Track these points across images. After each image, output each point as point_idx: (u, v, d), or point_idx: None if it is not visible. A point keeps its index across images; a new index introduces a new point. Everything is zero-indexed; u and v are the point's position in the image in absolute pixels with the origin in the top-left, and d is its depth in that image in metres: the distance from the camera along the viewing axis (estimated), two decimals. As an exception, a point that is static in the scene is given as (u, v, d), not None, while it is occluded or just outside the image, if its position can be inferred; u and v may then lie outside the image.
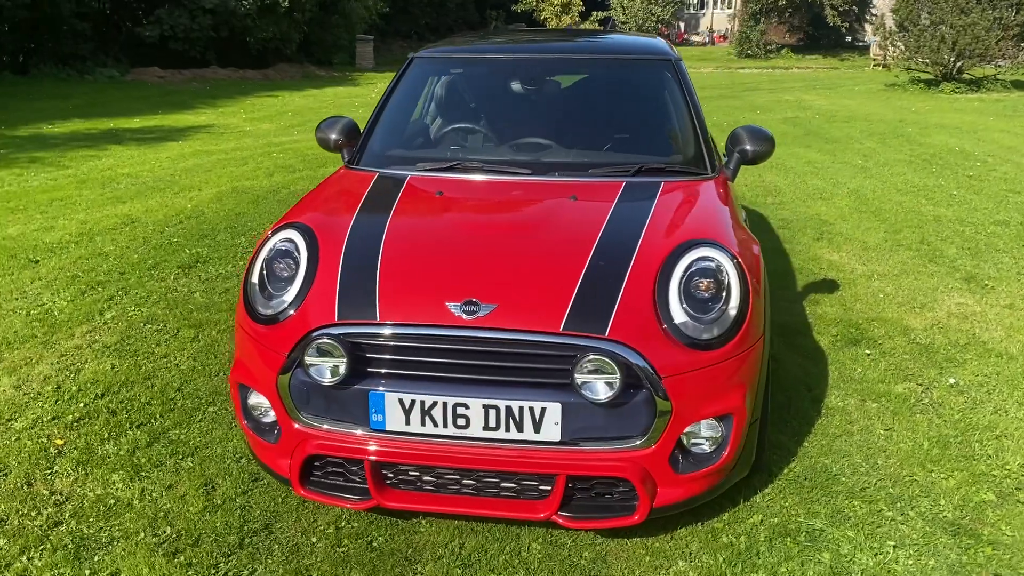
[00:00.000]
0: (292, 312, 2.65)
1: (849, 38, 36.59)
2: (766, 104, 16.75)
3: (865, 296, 5.04)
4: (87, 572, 2.53)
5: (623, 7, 37.59)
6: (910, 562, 2.62)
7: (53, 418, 3.44)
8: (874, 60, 27.47)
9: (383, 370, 2.52)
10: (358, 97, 18.14)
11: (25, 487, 2.97)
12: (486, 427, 2.47)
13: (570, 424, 2.45)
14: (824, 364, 4.06)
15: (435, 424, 2.48)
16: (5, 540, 2.67)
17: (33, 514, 2.81)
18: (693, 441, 2.60)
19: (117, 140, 11.28)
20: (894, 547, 2.68)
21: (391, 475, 2.61)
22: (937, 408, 3.62)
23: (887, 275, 5.45)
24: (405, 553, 2.64)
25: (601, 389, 2.38)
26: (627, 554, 2.66)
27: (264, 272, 2.82)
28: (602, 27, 31.91)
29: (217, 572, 2.54)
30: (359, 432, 2.55)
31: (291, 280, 2.75)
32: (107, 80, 19.75)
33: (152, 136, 11.78)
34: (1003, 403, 3.67)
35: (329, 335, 2.49)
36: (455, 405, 2.45)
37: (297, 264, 2.78)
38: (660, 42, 4.09)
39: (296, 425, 2.61)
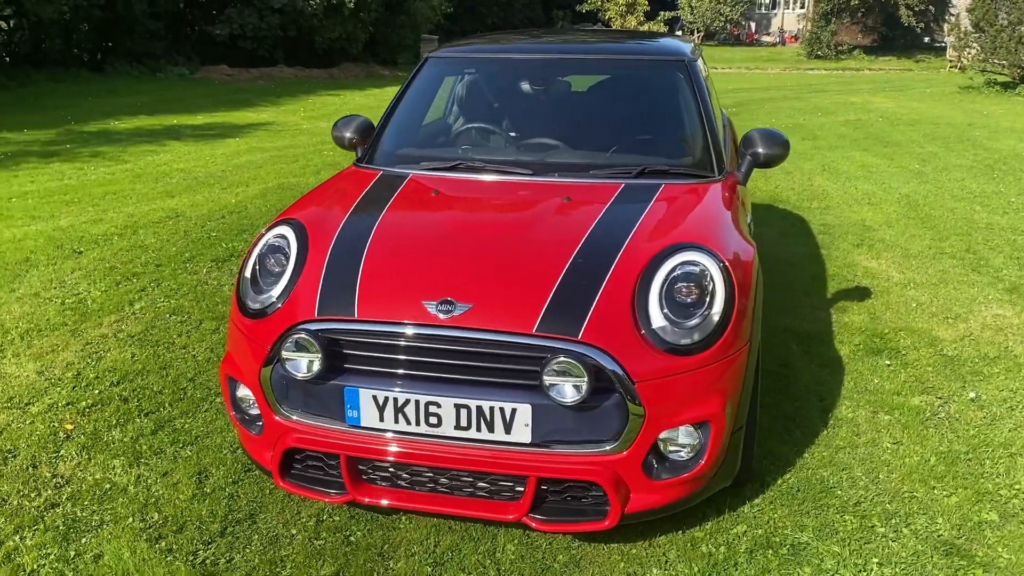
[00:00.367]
0: (278, 307, 2.70)
1: (926, 39, 35.48)
2: (829, 106, 16.35)
3: (897, 305, 4.88)
4: (72, 553, 2.61)
5: (691, 7, 37.19)
6: (895, 581, 2.54)
7: (67, 404, 3.57)
8: (950, 62, 26.59)
9: (359, 366, 2.54)
10: (417, 96, 18.29)
11: (30, 469, 3.09)
12: (457, 426, 2.47)
13: (541, 426, 2.44)
14: (840, 374, 3.95)
15: (408, 422, 2.50)
16: (3, 519, 2.79)
17: (33, 495, 2.92)
18: (670, 448, 2.56)
19: (177, 136, 11.62)
20: (879, 564, 2.60)
21: (367, 471, 2.64)
22: (952, 422, 3.49)
23: (924, 284, 5.27)
24: (380, 549, 2.66)
25: (569, 392, 2.36)
26: (602, 559, 2.63)
27: (257, 267, 2.88)
28: (669, 28, 31.55)
29: (196, 559, 2.60)
30: (335, 427, 2.58)
31: (280, 275, 2.79)
32: (177, 78, 20.37)
33: (211, 133, 12.11)
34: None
35: (307, 330, 2.52)
36: (427, 403, 2.47)
37: (287, 260, 2.83)
38: (675, 43, 4.03)
39: (277, 418, 2.66)
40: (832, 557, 2.63)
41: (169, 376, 3.85)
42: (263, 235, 2.97)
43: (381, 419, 2.51)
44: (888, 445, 3.31)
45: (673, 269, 2.62)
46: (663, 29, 29.92)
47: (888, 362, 4.07)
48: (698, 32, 38.17)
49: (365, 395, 2.50)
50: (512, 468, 2.49)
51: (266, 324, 2.68)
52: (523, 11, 37.81)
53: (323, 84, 21.52)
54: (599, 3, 29.58)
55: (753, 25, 44.15)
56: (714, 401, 2.53)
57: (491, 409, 2.43)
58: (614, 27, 30.33)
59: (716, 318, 2.57)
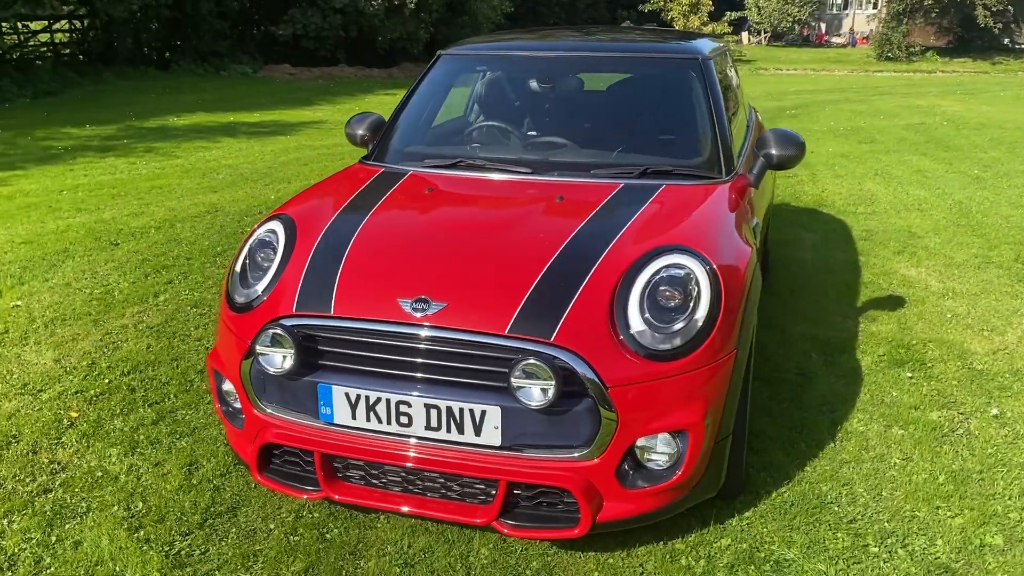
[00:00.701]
0: (262, 301, 2.71)
1: (1005, 40, 34.19)
2: (892, 109, 15.87)
3: (931, 315, 4.68)
4: (53, 539, 2.66)
5: (758, 7, 36.53)
6: (881, 604, 2.42)
7: (76, 392, 3.65)
8: (1028, 64, 25.56)
9: (333, 363, 2.53)
10: (472, 96, 18.36)
11: (30, 454, 3.16)
12: (428, 427, 2.44)
13: (510, 429, 2.39)
14: (858, 385, 3.80)
15: (379, 420, 2.47)
16: (-5, 502, 2.86)
17: (28, 480, 2.99)
18: (648, 456, 2.48)
19: (231, 133, 11.86)
20: (866, 586, 2.48)
21: (341, 468, 2.62)
22: (969, 440, 3.33)
23: (964, 294, 5.05)
24: (354, 547, 2.65)
25: (536, 395, 2.31)
26: (576, 567, 2.57)
27: (246, 261, 2.89)
28: (734, 29, 31.02)
29: (171, 550, 2.62)
30: (310, 424, 2.57)
31: (267, 270, 2.80)
32: (240, 76, 20.82)
33: (265, 130, 12.33)
34: (1049, 439, 3.34)
35: (282, 326, 2.52)
36: (398, 403, 2.44)
37: (275, 255, 2.83)
38: (692, 42, 3.92)
39: (256, 412, 2.66)
40: (817, 576, 2.53)
41: (179, 368, 3.91)
42: (255, 230, 2.99)
43: (353, 417, 2.49)
44: (896, 461, 3.16)
45: (657, 272, 2.54)
46: (727, 30, 29.36)
47: (910, 374, 3.90)
48: (764, 33, 37.49)
49: (338, 392, 2.49)
50: (482, 471, 2.44)
51: (249, 318, 2.69)
52: (586, 11, 37.65)
53: (382, 84, 21.75)
54: (662, 3, 29.23)
55: (823, 26, 43.18)
56: (693, 409, 2.44)
57: (460, 410, 2.39)
58: (676, 27, 29.96)
59: (700, 323, 2.48)
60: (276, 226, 2.93)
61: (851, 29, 42.29)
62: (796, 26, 37.54)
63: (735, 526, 2.76)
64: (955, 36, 33.86)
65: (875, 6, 40.28)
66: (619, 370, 2.38)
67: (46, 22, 19.39)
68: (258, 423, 2.67)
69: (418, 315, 2.44)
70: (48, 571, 2.51)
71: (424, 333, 2.42)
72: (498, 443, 2.40)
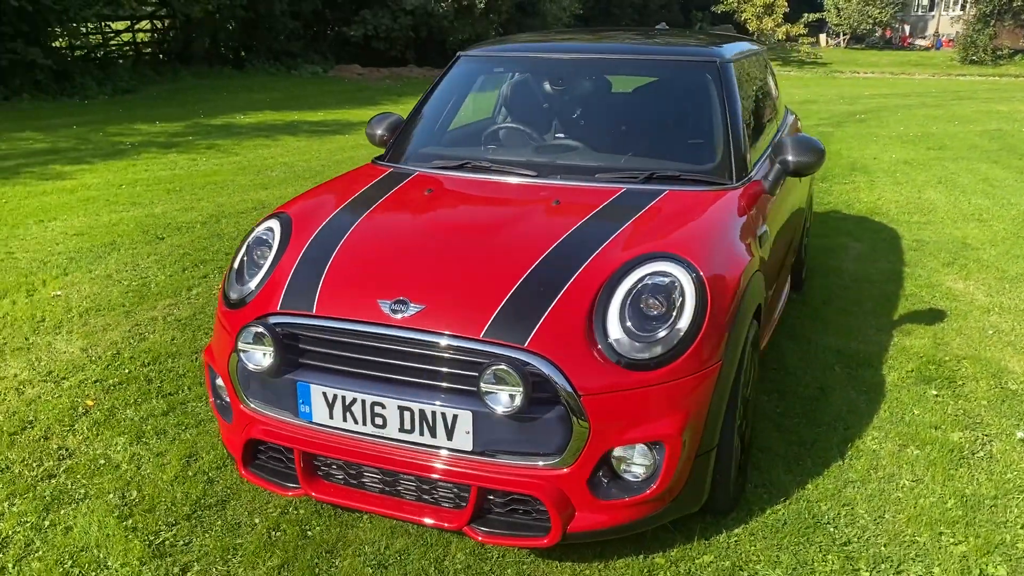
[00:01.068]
0: (253, 298, 2.74)
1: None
2: (970, 115, 15.25)
3: (970, 331, 4.48)
4: (47, 523, 2.74)
5: (837, 8, 35.61)
6: (863, 632, 2.32)
7: (96, 381, 3.76)
8: (1125, 69, 24.29)
9: (312, 362, 2.55)
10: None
11: (42, 440, 3.27)
12: (402, 429, 2.43)
13: (482, 434, 2.36)
14: (878, 401, 3.65)
15: (355, 421, 2.48)
16: (1, 485, 2.96)
17: (35, 465, 3.09)
18: (625, 467, 2.43)
19: (293, 132, 12.11)
20: (848, 612, 2.38)
21: (321, 467, 2.64)
22: (989, 463, 3.17)
23: (1011, 310, 4.82)
24: (332, 545, 2.66)
25: (504, 400, 2.28)
26: (550, 577, 2.53)
27: (245, 258, 2.93)
28: (810, 31, 30.28)
29: (156, 539, 2.68)
30: (291, 421, 2.59)
31: (261, 267, 2.84)
32: (310, 76, 21.23)
33: (326, 129, 12.54)
34: (1077, 467, 3.16)
35: (263, 323, 2.54)
36: (373, 404, 2.44)
37: (270, 252, 2.87)
38: (713, 46, 3.82)
39: (243, 408, 2.69)
40: (798, 599, 2.43)
41: (197, 360, 3.99)
42: (254, 228, 3.03)
43: (331, 416, 2.51)
44: (906, 482, 3.03)
45: (641, 279, 2.49)
46: (802, 32, 28.65)
47: (936, 392, 3.73)
48: (843, 35, 36.52)
49: (316, 391, 2.50)
50: (454, 476, 2.42)
51: (239, 314, 2.73)
52: (659, 12, 37.28)
53: (449, 84, 21.88)
54: (735, 4, 28.70)
55: (907, 28, 41.80)
56: (670, 421, 2.38)
57: (433, 414, 2.38)
58: (750, 29, 29.42)
59: (682, 332, 2.42)
60: (274, 224, 2.97)
61: (936, 31, 40.85)
62: (877, 28, 36.40)
63: (721, 542, 2.68)
64: (1047, 39, 32.38)
65: (963, 7, 38.82)
66: (593, 378, 2.34)
67: (128, 22, 20.12)
68: (245, 418, 2.70)
69: (396, 316, 2.44)
70: (36, 554, 2.59)
71: (399, 335, 2.42)
72: (470, 448, 2.39)
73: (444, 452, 2.42)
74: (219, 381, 2.87)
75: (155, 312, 4.62)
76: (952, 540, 2.70)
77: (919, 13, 42.65)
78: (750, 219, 3.06)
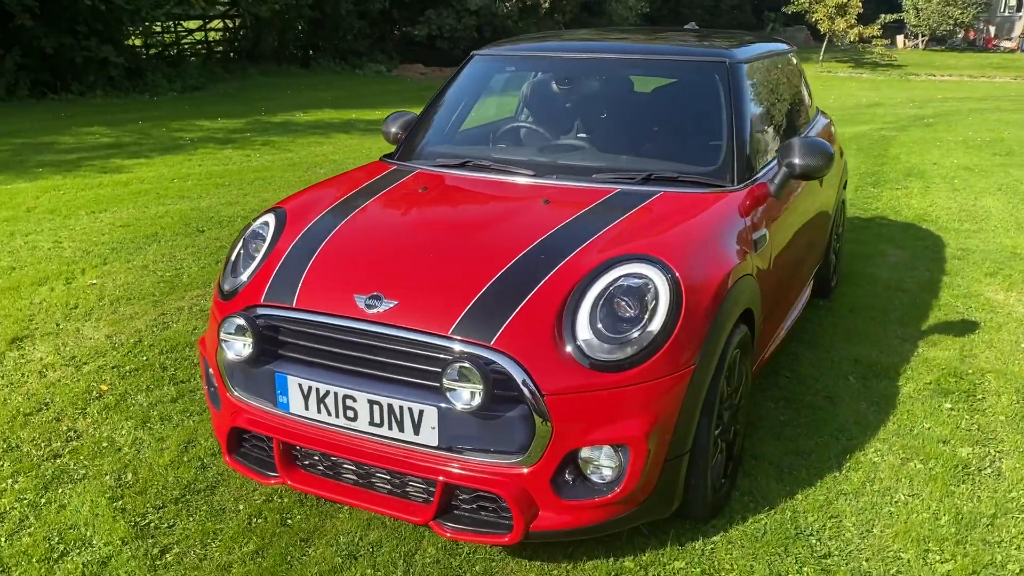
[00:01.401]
0: (242, 290, 2.81)
1: None
2: (1044, 120, 14.62)
3: (1002, 343, 4.31)
4: (43, 501, 2.86)
5: (917, 9, 34.50)
6: (827, 647, 2.26)
7: (114, 366, 3.90)
8: None
9: (290, 354, 2.60)
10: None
11: (53, 421, 3.41)
12: (371, 422, 2.47)
13: (447, 430, 2.38)
14: (887, 413, 3.55)
15: (329, 413, 2.52)
16: (8, 463, 3.09)
17: (43, 444, 3.23)
18: (592, 469, 2.42)
19: (348, 130, 12.30)
20: (813, 626, 2.32)
21: (299, 457, 2.69)
22: (994, 480, 3.05)
23: (1050, 323, 4.62)
24: (308, 534, 2.71)
25: (464, 397, 2.29)
26: (518, 575, 2.53)
27: (241, 251, 3.01)
28: (883, 31, 29.37)
29: (142, 520, 2.77)
30: (270, 411, 2.65)
31: (254, 260, 2.91)
32: (374, 75, 21.53)
33: (379, 128, 12.68)
34: (1090, 488, 3.01)
35: (243, 315, 2.60)
36: (344, 396, 2.48)
37: (264, 246, 2.94)
38: (727, 47, 3.74)
39: (229, 396, 2.77)
40: (765, 610, 2.38)
41: (213, 350, 4.10)
42: (253, 221, 3.10)
43: (306, 407, 2.56)
44: (901, 496, 2.94)
45: (615, 281, 2.47)
46: (876, 33, 27.80)
47: (951, 406, 3.60)
48: (922, 37, 35.40)
49: (293, 382, 2.56)
50: (420, 470, 2.45)
51: (229, 305, 2.80)
52: (731, 12, 36.67)
53: (510, 84, 21.96)
54: (807, 4, 28.07)
55: (992, 29, 40.28)
56: (636, 423, 2.36)
57: (400, 408, 2.41)
58: (822, 31, 28.72)
59: (653, 335, 2.40)
60: (270, 218, 3.04)
61: (1022, 33, 39.26)
62: (959, 29, 35.16)
63: (696, 549, 2.64)
64: None
65: (1052, 8, 37.22)
66: (559, 379, 2.34)
67: (201, 21, 20.73)
68: (231, 407, 2.77)
69: (369, 311, 2.48)
70: (28, 530, 2.71)
71: (370, 329, 2.46)
72: (435, 443, 2.41)
73: (411, 447, 2.44)
74: (211, 370, 2.95)
75: (183, 302, 4.76)
76: (939, 558, 2.61)
77: (1005, 14, 41.03)
78: (746, 222, 3.00)
